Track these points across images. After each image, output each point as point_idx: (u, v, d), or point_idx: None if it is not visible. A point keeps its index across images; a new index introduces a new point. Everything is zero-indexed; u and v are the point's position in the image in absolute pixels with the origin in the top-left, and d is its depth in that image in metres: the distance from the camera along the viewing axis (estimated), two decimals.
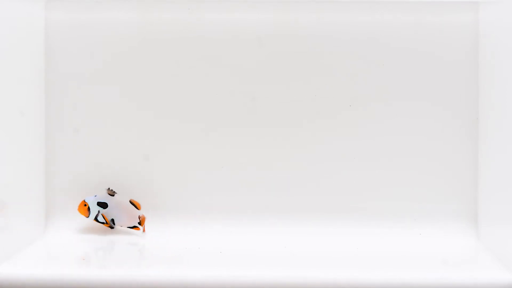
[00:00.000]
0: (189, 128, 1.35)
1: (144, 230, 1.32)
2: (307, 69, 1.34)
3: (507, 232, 1.19)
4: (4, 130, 1.20)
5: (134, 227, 1.32)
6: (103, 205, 1.31)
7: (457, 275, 1.12)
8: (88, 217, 1.31)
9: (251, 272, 1.15)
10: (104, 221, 1.31)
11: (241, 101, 1.35)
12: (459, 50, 1.33)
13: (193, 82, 1.35)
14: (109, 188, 1.32)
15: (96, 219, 1.31)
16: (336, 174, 1.35)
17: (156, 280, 1.11)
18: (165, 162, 1.35)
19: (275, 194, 1.35)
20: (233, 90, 1.35)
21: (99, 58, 1.34)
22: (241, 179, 1.35)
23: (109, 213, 1.31)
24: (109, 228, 1.32)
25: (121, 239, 1.31)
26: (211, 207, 1.35)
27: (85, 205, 1.31)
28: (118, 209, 1.31)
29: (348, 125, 1.34)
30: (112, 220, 1.31)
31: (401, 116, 1.34)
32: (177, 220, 1.34)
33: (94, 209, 1.31)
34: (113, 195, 1.31)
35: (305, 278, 1.11)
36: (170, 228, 1.34)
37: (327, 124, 1.35)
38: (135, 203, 1.32)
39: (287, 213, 1.35)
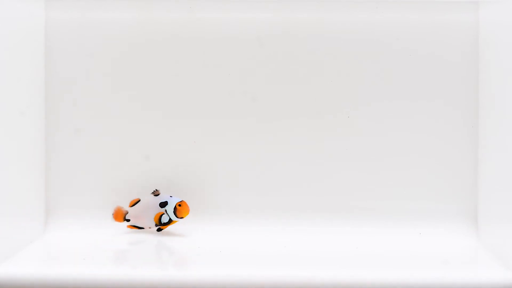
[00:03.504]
0: (189, 128, 1.35)
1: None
2: (307, 69, 1.34)
3: (507, 232, 1.19)
4: (4, 130, 1.20)
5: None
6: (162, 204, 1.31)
7: (457, 275, 1.12)
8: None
9: (251, 272, 1.15)
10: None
11: (241, 101, 1.35)
12: (459, 49, 1.33)
13: (193, 82, 1.35)
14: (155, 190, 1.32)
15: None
16: (336, 174, 1.35)
17: (156, 280, 1.11)
18: (164, 162, 1.35)
19: (275, 194, 1.35)
20: (233, 90, 1.35)
21: (99, 58, 1.34)
22: (241, 179, 1.35)
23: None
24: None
25: (121, 239, 1.31)
26: (210, 207, 1.35)
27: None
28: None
29: (348, 125, 1.34)
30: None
31: (400, 116, 1.34)
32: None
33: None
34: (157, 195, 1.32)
35: (305, 278, 1.11)
36: (170, 228, 1.34)
37: (327, 124, 1.35)
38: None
39: (287, 213, 1.35)
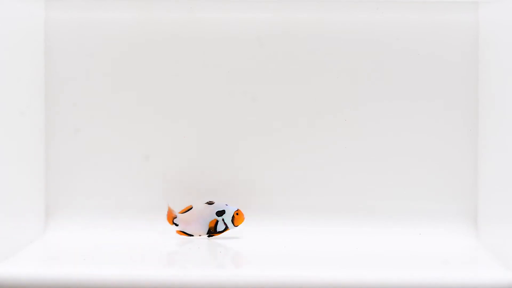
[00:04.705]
0: (189, 128, 1.35)
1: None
2: (307, 69, 1.34)
3: (507, 232, 1.19)
4: (4, 130, 1.20)
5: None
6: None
7: (457, 275, 1.12)
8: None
9: (251, 272, 1.15)
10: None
11: (241, 101, 1.35)
12: (459, 49, 1.33)
13: (193, 82, 1.35)
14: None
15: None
16: (335, 174, 1.35)
17: (154, 280, 1.10)
18: (164, 162, 1.35)
19: (275, 194, 1.35)
20: (233, 90, 1.35)
21: (99, 58, 1.34)
22: (240, 179, 1.35)
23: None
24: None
25: (121, 238, 1.31)
26: None
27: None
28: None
29: (348, 125, 1.34)
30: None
31: (400, 116, 1.34)
32: None
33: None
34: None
35: (305, 278, 1.11)
36: (171, 228, 1.34)
37: (327, 124, 1.34)
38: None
39: (286, 213, 1.35)
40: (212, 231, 1.30)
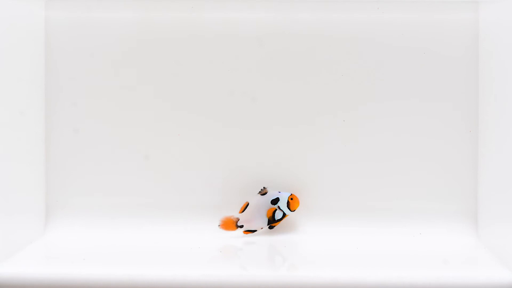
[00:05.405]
0: (188, 128, 1.35)
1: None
2: (307, 68, 1.34)
3: (506, 231, 1.19)
4: (4, 130, 1.20)
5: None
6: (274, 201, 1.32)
7: (457, 274, 1.12)
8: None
9: (251, 271, 1.15)
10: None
11: (241, 101, 1.35)
12: (459, 49, 1.33)
13: (193, 82, 1.35)
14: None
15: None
16: (335, 174, 1.35)
17: (154, 279, 1.11)
18: (164, 162, 1.35)
19: None
20: (233, 90, 1.35)
21: (99, 58, 1.34)
22: (241, 179, 1.35)
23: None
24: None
25: (121, 238, 1.31)
26: (210, 207, 1.35)
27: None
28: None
29: (348, 125, 1.34)
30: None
31: (400, 116, 1.34)
32: (177, 220, 1.34)
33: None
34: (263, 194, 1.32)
35: (305, 278, 1.11)
36: (172, 228, 1.34)
37: (327, 124, 1.34)
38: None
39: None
40: (271, 221, 1.30)
